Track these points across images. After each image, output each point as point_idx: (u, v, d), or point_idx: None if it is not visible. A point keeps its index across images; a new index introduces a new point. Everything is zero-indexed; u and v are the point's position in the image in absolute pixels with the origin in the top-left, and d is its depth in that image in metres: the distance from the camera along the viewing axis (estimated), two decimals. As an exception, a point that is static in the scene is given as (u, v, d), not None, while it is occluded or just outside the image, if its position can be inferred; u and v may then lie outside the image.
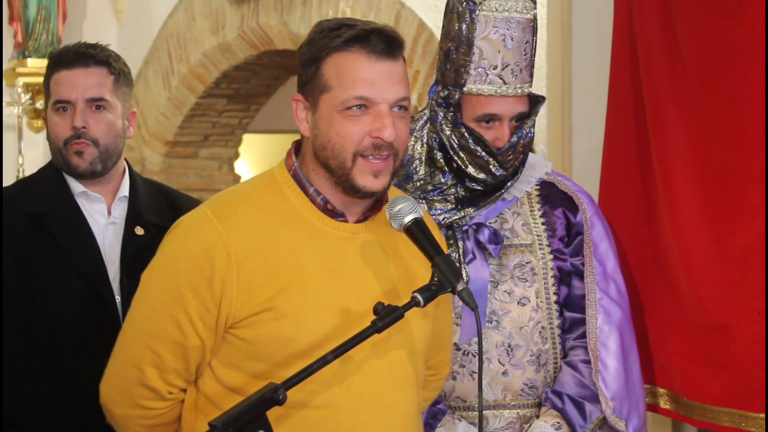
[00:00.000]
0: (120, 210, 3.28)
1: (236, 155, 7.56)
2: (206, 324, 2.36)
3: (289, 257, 2.38)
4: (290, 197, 2.45)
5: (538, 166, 3.09)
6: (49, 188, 3.27)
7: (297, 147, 2.52)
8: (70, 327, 3.13)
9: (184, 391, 2.46)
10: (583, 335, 3.01)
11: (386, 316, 2.25)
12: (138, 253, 3.20)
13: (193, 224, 2.42)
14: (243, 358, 2.37)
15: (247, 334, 2.36)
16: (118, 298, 3.19)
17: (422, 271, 2.47)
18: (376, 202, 2.49)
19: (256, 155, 12.62)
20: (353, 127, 2.38)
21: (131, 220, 3.27)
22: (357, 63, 2.37)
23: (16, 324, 3.12)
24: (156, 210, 3.33)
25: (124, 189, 3.31)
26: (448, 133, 2.94)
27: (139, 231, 3.25)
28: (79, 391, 3.07)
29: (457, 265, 2.88)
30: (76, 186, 3.26)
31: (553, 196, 3.08)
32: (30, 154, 6.84)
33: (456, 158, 2.93)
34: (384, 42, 2.38)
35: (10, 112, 6.92)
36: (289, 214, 2.43)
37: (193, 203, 3.41)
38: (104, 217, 3.26)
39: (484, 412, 2.92)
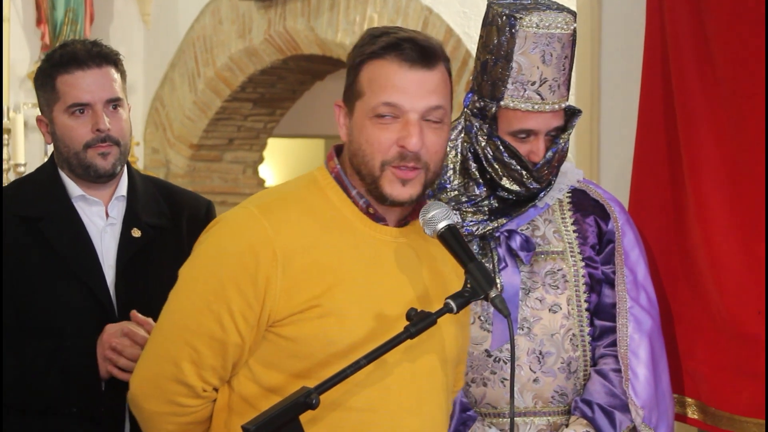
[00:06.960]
0: (118, 210, 3.18)
1: (261, 159, 7.57)
2: (247, 321, 2.35)
3: (334, 257, 2.39)
4: (333, 199, 2.45)
5: (570, 173, 3.09)
6: (45, 191, 3.17)
7: (338, 150, 2.52)
8: (69, 334, 3.04)
9: (217, 390, 2.45)
10: (613, 343, 3.01)
11: (419, 321, 2.26)
12: (134, 255, 3.14)
13: (238, 220, 2.41)
14: (284, 357, 2.37)
15: (291, 332, 2.36)
16: (115, 302, 3.10)
17: (453, 279, 2.49)
18: (416, 208, 2.48)
19: (281, 159, 12.64)
20: (382, 134, 2.37)
21: (128, 222, 3.17)
22: (388, 70, 2.38)
23: (13, 327, 3.03)
24: (155, 210, 3.22)
25: (122, 188, 3.20)
26: (483, 144, 2.93)
27: (136, 233, 3.16)
28: (78, 394, 3.03)
29: (491, 273, 2.89)
30: (74, 189, 3.15)
31: (585, 204, 3.07)
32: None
33: (490, 169, 2.92)
34: (417, 51, 2.38)
35: (35, 114, 6.92)
36: (332, 215, 2.44)
37: (196, 199, 3.36)
38: (102, 219, 3.16)
39: (515, 418, 2.92)
